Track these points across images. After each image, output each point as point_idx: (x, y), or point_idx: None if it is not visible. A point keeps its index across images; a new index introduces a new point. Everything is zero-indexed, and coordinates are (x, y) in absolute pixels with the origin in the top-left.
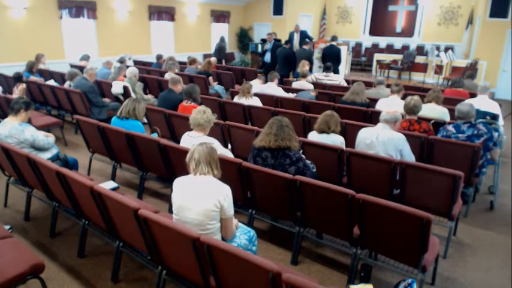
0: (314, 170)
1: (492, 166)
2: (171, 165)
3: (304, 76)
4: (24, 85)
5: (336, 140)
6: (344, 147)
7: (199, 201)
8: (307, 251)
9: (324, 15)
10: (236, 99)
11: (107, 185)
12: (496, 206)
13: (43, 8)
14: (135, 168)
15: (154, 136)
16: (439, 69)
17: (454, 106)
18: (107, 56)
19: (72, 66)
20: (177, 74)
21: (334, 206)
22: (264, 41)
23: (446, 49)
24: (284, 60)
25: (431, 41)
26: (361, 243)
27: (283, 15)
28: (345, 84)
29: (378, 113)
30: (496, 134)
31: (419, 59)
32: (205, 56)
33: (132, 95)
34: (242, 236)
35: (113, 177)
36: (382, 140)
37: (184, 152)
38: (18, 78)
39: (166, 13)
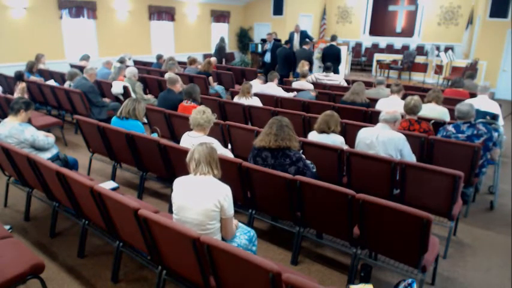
0: (314, 170)
1: (492, 166)
2: (171, 165)
3: (304, 76)
4: (24, 84)
5: (336, 140)
6: (344, 147)
7: (200, 201)
8: (307, 251)
9: (324, 15)
10: (236, 99)
11: (107, 185)
12: (496, 206)
13: (43, 8)
14: (135, 168)
15: (154, 136)
16: (439, 69)
17: (454, 106)
18: (107, 56)
19: (72, 66)
20: (177, 74)
21: (334, 206)
22: (264, 41)
23: (446, 49)
24: (284, 60)
25: (431, 41)
26: (361, 243)
27: (283, 15)
28: (345, 84)
29: (378, 113)
30: (495, 134)
31: (419, 59)
32: (205, 56)
33: (132, 95)
34: (242, 236)
35: (113, 177)
36: (382, 140)
37: (184, 152)
38: (19, 76)
39: (166, 13)
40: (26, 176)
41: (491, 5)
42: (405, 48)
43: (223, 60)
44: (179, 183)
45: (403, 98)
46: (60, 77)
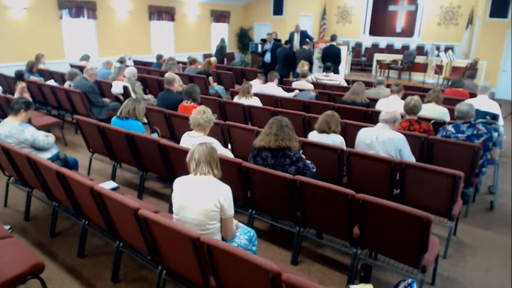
0: (314, 170)
1: (492, 166)
2: (171, 165)
3: (304, 76)
4: (24, 83)
5: (336, 140)
6: (344, 147)
7: (200, 201)
8: (307, 251)
9: (324, 15)
10: (236, 99)
11: (107, 185)
12: (496, 206)
13: (43, 8)
14: (135, 168)
15: (154, 136)
16: (439, 69)
17: (454, 106)
18: (107, 56)
19: (72, 66)
20: (177, 74)
21: (334, 206)
22: (264, 41)
23: (446, 49)
24: (284, 60)
25: (431, 41)
26: (361, 243)
27: (283, 15)
28: (345, 84)
29: (378, 113)
30: (495, 134)
31: (419, 59)
32: (205, 56)
33: (132, 95)
34: (242, 236)
35: (113, 177)
36: (382, 140)
37: (184, 152)
38: (19, 76)
39: (166, 13)
40: (26, 176)
41: (491, 5)
42: (405, 48)
43: (225, 59)
44: (179, 183)
45: (403, 98)
46: (60, 77)
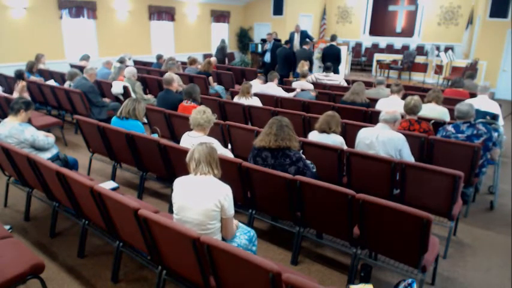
0: (314, 170)
1: (492, 166)
2: (171, 165)
3: (304, 76)
4: (24, 83)
5: (336, 140)
6: (344, 147)
7: (200, 201)
8: (307, 251)
9: (324, 15)
10: (236, 99)
11: (107, 185)
12: (496, 206)
13: (43, 8)
14: (135, 168)
15: (154, 136)
16: (439, 69)
17: (454, 106)
18: (107, 56)
19: (72, 66)
20: (177, 74)
21: (334, 206)
22: (264, 41)
23: (446, 49)
24: (284, 60)
25: (431, 41)
26: (361, 243)
27: (283, 15)
28: (345, 84)
29: (378, 113)
30: (495, 134)
31: (419, 59)
32: (205, 56)
33: (132, 95)
34: (242, 236)
35: (113, 177)
36: (382, 140)
37: (184, 152)
38: (19, 75)
39: (166, 13)
40: (26, 176)
41: (491, 5)
42: (405, 48)
43: (226, 59)
44: (179, 183)
45: (403, 98)
46: (60, 77)
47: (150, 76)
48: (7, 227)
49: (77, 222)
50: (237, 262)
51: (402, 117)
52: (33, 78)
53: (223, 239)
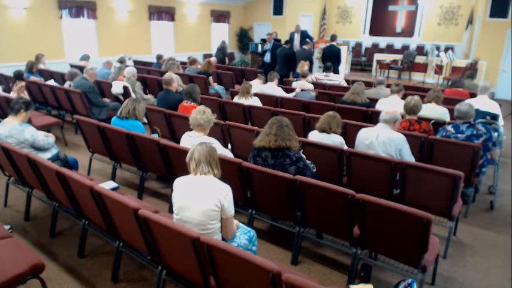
0: (314, 170)
1: (492, 166)
2: (171, 165)
3: (304, 76)
4: (22, 83)
5: (336, 140)
6: (344, 147)
7: (200, 201)
8: (307, 251)
9: (324, 15)
10: (236, 99)
11: (107, 185)
12: (496, 206)
13: (43, 8)
14: (135, 168)
15: (155, 136)
16: (439, 69)
17: (454, 106)
18: (106, 56)
19: (72, 66)
20: (177, 74)
21: (334, 206)
22: (264, 41)
23: (446, 49)
24: (284, 60)
25: (431, 41)
26: (361, 243)
27: (283, 15)
28: (345, 84)
29: (378, 113)
30: (495, 134)
31: (419, 59)
32: (205, 56)
33: (132, 94)
34: (242, 236)
35: (113, 177)
36: (382, 140)
37: (184, 152)
38: (18, 76)
39: (166, 13)
40: (26, 176)
41: (491, 5)
42: (405, 48)
43: (226, 58)
44: (179, 183)
45: (403, 98)
46: (60, 77)
47: (150, 76)
48: (7, 227)
49: (77, 222)
50: (237, 262)
51: (402, 117)
52: (33, 78)
53: (223, 239)
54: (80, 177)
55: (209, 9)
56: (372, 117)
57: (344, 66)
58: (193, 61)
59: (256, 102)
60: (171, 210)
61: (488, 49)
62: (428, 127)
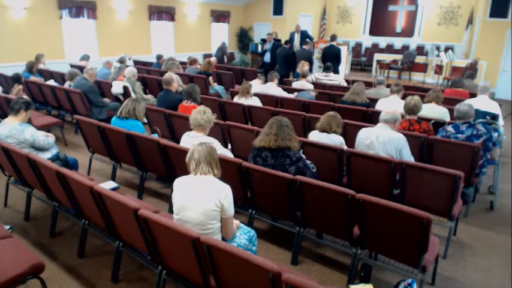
0: (314, 170)
1: (492, 166)
2: (171, 165)
3: (304, 76)
4: (20, 87)
5: (336, 140)
6: (344, 147)
7: (200, 201)
8: (307, 251)
9: (324, 15)
10: (236, 99)
11: (107, 185)
12: (496, 206)
13: (43, 8)
14: (135, 168)
15: (155, 136)
16: (439, 69)
17: (454, 106)
18: (107, 56)
19: (72, 66)
20: (177, 74)
21: (334, 206)
22: (264, 41)
23: (446, 49)
24: (284, 60)
25: (431, 41)
26: (361, 243)
27: (283, 15)
28: (345, 84)
29: (378, 113)
30: (495, 134)
31: (419, 59)
32: (205, 56)
33: (132, 94)
34: (242, 236)
35: (113, 177)
36: (382, 140)
37: (184, 152)
38: (16, 79)
39: (166, 13)
40: (26, 176)
41: (491, 5)
42: (405, 48)
43: (225, 57)
44: (179, 183)
45: (403, 98)
46: (60, 77)
47: (150, 76)
48: (7, 227)
49: (77, 222)
50: (237, 262)
51: (402, 117)
52: (33, 78)
53: (223, 239)
54: (80, 177)
55: (209, 9)
56: (372, 117)
57: (344, 66)
58: (193, 61)
59: (256, 102)
60: (171, 210)
61: (488, 49)
62: (428, 127)
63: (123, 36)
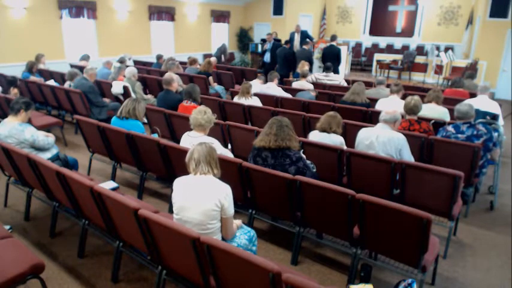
0: (314, 170)
1: (492, 166)
2: (171, 165)
3: (304, 76)
4: (16, 90)
5: (336, 140)
6: (344, 147)
7: (200, 201)
8: (307, 251)
9: (324, 15)
10: (236, 99)
11: (107, 185)
12: (496, 206)
13: (43, 8)
14: (135, 168)
15: (155, 136)
16: (439, 69)
17: (454, 106)
18: (107, 56)
19: (72, 66)
20: (177, 74)
21: (334, 206)
22: (264, 41)
23: (446, 49)
24: (284, 60)
25: (431, 41)
26: (361, 243)
27: (283, 15)
28: (345, 84)
29: (378, 113)
30: (495, 134)
31: (419, 59)
32: (205, 56)
33: (132, 94)
34: (242, 236)
35: (113, 177)
36: (382, 140)
37: (184, 152)
38: (12, 82)
39: (166, 13)
40: (26, 176)
41: (491, 5)
42: (405, 48)
43: (222, 56)
44: (179, 183)
45: (403, 98)
46: (60, 77)
47: (150, 76)
48: (7, 227)
49: (77, 222)
50: (237, 262)
51: (402, 117)
52: (33, 78)
53: (223, 238)
54: (80, 177)
55: (209, 9)
56: (371, 117)
57: (344, 66)
58: (193, 61)
59: (256, 102)
60: (171, 210)
61: (488, 49)
62: (428, 127)
63: (123, 36)
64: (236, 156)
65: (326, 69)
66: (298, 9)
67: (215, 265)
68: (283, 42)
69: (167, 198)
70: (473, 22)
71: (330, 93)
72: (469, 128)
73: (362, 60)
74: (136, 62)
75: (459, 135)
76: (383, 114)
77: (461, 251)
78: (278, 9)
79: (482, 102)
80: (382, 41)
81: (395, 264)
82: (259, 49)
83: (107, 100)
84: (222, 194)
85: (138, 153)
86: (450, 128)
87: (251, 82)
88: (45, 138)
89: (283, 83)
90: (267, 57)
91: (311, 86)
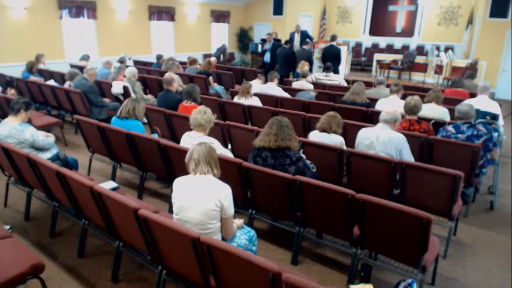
0: (314, 170)
1: (492, 166)
2: (171, 165)
3: (304, 76)
4: (13, 91)
5: (335, 140)
6: (344, 147)
7: (200, 201)
8: (307, 251)
9: (324, 15)
10: (236, 99)
11: (107, 185)
12: (496, 206)
13: (43, 8)
14: (135, 168)
15: (155, 136)
16: (439, 69)
17: (454, 106)
18: (106, 56)
19: (72, 66)
20: (177, 74)
21: (334, 206)
22: (264, 41)
23: (446, 49)
24: (284, 60)
25: (431, 41)
26: (361, 243)
27: (283, 15)
28: (345, 84)
29: (378, 113)
30: (495, 134)
31: (419, 59)
32: (205, 56)
33: (132, 94)
34: (242, 236)
35: (113, 177)
36: (382, 140)
37: (184, 152)
38: (9, 83)
39: (166, 13)
40: (26, 176)
41: (491, 5)
42: (405, 48)
43: (222, 56)
44: (179, 183)
45: (403, 98)
46: (60, 77)
47: (150, 76)
48: (7, 227)
49: (77, 222)
50: (237, 262)
51: (402, 117)
52: (33, 78)
53: (223, 238)
54: (80, 177)
55: (209, 9)
56: (371, 117)
57: (344, 66)
58: (193, 61)
59: (256, 102)
60: (171, 210)
61: (488, 49)
62: (429, 127)
63: (123, 36)
64: (236, 156)
65: (326, 69)
66: (298, 9)
67: (215, 265)
68: (283, 42)
69: (167, 198)
70: (473, 22)
71: (330, 93)
72: (469, 128)
73: (362, 60)
74: (136, 62)
75: (459, 135)
76: (383, 114)
77: (461, 251)
78: (278, 9)
79: (482, 102)
80: (382, 41)
81: (395, 264)
82: (259, 49)
83: (107, 100)
84: (222, 194)
85: (138, 153)
86: (450, 128)
87: (251, 82)
88: (45, 138)
89: (283, 83)
90: (267, 57)
91: (311, 86)
